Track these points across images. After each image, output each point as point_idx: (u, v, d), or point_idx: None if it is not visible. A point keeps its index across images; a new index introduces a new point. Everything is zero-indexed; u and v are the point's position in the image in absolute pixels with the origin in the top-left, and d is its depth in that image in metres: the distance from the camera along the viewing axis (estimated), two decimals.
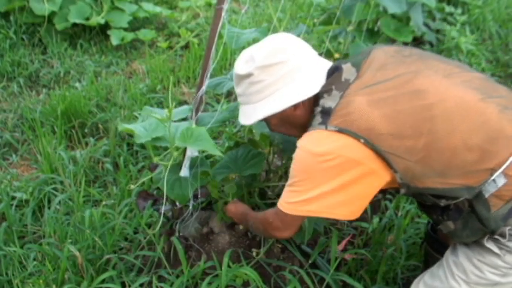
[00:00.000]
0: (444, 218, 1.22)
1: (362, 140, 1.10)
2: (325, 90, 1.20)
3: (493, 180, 1.11)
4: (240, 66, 1.27)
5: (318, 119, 1.17)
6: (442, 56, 1.30)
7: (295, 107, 1.25)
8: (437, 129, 1.10)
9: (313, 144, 1.16)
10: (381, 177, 1.16)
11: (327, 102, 1.17)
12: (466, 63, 3.53)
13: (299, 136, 1.23)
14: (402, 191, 1.20)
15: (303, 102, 1.23)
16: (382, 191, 1.27)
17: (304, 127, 1.24)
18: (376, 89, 1.14)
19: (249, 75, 1.24)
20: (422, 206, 1.33)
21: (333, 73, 1.22)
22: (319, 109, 1.19)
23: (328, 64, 1.29)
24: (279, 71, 1.22)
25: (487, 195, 1.12)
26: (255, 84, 1.24)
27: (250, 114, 1.28)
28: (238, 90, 1.32)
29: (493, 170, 1.10)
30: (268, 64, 1.21)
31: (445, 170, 1.12)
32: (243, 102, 1.32)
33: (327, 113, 1.16)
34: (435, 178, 1.13)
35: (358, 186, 1.16)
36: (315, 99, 1.22)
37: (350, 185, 1.15)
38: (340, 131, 1.12)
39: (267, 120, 1.33)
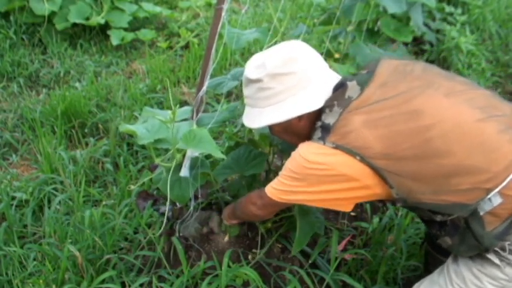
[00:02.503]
0: (442, 233, 1.23)
1: (358, 157, 1.13)
2: (328, 106, 1.21)
3: (489, 199, 1.11)
4: (251, 70, 1.28)
5: (318, 133, 1.20)
6: (446, 72, 1.29)
7: (300, 118, 1.26)
8: (433, 150, 1.10)
9: (311, 152, 1.20)
10: (373, 191, 1.18)
11: (328, 118, 1.19)
12: (466, 64, 3.53)
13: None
14: (398, 204, 1.22)
15: (308, 114, 1.25)
16: (381, 201, 1.29)
17: (306, 138, 1.26)
18: (374, 108, 1.15)
19: (258, 81, 1.25)
20: (421, 220, 1.35)
21: (338, 89, 1.23)
22: (319, 124, 1.21)
23: (336, 78, 1.30)
24: (288, 81, 1.23)
25: (482, 213, 1.13)
26: (264, 90, 1.25)
27: (255, 118, 1.30)
28: (246, 92, 1.33)
29: (489, 190, 1.10)
30: (279, 73, 1.23)
31: (440, 188, 1.13)
32: (250, 104, 1.33)
33: (326, 128, 1.18)
34: (430, 195, 1.14)
35: (344, 193, 1.21)
36: (318, 113, 1.24)
37: (335, 192, 1.20)
38: (337, 147, 1.15)
39: (270, 126, 1.35)
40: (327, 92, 1.25)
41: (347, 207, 1.27)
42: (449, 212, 1.16)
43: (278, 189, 1.31)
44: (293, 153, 1.25)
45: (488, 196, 1.11)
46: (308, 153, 1.20)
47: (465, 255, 1.24)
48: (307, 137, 1.25)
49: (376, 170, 1.13)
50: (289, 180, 1.26)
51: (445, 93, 1.17)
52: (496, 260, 1.18)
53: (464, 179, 1.10)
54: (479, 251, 1.19)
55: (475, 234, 1.15)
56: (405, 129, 1.12)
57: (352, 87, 1.21)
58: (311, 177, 1.21)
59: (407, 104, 1.15)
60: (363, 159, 1.12)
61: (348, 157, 1.14)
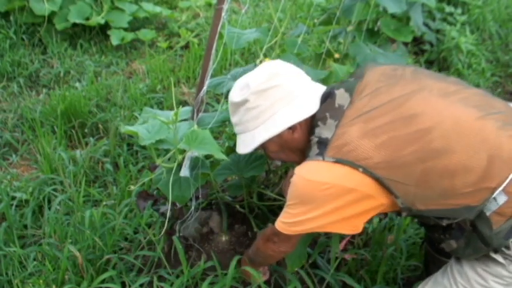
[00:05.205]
0: (446, 236, 1.22)
1: (360, 169, 1.10)
2: (320, 118, 1.19)
3: (494, 198, 1.10)
4: (236, 94, 1.27)
5: (315, 149, 1.18)
6: (437, 73, 1.29)
7: (293, 130, 1.24)
8: (435, 151, 1.09)
9: (310, 173, 1.17)
10: (379, 201, 1.16)
11: (323, 132, 1.17)
12: (466, 64, 3.53)
13: (297, 163, 1.23)
14: (404, 214, 1.20)
15: (300, 124, 1.23)
16: (385, 214, 1.27)
17: (302, 152, 1.24)
18: (371, 116, 1.14)
19: (244, 102, 1.24)
20: (424, 225, 1.33)
21: (326, 99, 1.22)
22: (315, 139, 1.19)
23: (321, 88, 1.29)
24: (274, 95, 1.22)
25: (488, 214, 1.12)
26: (251, 110, 1.24)
27: (249, 142, 1.27)
28: (234, 119, 1.31)
29: (493, 189, 1.10)
30: (264, 89, 1.22)
31: (445, 191, 1.11)
32: (240, 131, 1.31)
33: (323, 143, 1.16)
34: (436, 200, 1.13)
35: (352, 208, 1.17)
36: (310, 124, 1.22)
37: (343, 208, 1.17)
38: (338, 161, 1.12)
39: (265, 148, 1.32)
40: (314, 101, 1.24)
41: (359, 227, 1.22)
42: (456, 216, 1.15)
43: (287, 222, 1.26)
44: (292, 179, 1.21)
45: (493, 195, 1.10)
46: (308, 175, 1.17)
47: (469, 258, 1.23)
48: (304, 150, 1.23)
49: (379, 180, 1.11)
50: (296, 208, 1.21)
51: (439, 95, 1.17)
52: (500, 259, 1.18)
53: (468, 179, 1.09)
54: (485, 253, 1.18)
55: (482, 235, 1.14)
56: (405, 134, 1.11)
57: (341, 95, 1.19)
58: (313, 199, 1.17)
59: (404, 109, 1.13)
60: (366, 171, 1.10)
61: (349, 169, 1.12)
